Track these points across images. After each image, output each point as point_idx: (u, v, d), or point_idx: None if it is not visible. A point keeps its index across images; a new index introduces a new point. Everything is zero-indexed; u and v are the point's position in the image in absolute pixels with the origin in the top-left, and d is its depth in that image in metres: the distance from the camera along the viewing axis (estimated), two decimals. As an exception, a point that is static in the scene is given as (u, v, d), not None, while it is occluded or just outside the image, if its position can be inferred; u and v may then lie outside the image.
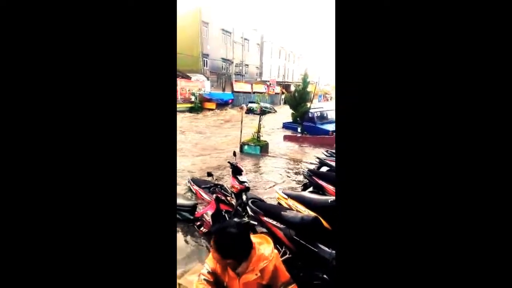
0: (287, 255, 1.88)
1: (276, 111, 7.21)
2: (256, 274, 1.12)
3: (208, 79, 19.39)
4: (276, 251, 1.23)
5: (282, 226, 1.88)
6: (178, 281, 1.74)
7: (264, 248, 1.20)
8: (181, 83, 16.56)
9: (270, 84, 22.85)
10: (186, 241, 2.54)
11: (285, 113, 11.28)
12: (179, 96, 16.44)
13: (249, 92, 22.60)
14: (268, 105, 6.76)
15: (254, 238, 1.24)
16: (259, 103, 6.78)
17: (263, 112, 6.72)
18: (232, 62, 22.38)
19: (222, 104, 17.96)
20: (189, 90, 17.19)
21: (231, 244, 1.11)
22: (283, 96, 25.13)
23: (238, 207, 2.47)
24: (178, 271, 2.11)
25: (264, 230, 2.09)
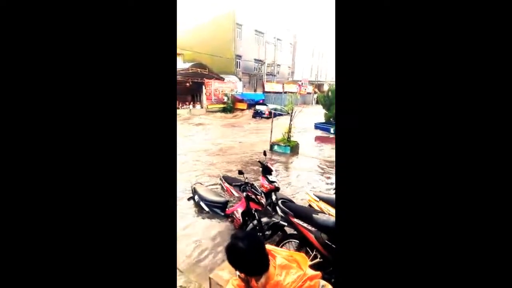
0: (317, 259, 1.82)
1: (288, 114, 6.74)
2: None
3: (240, 80, 19.79)
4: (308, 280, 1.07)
5: (313, 229, 1.82)
6: (210, 275, 1.80)
7: (287, 274, 1.07)
8: (214, 84, 17.19)
9: (302, 83, 22.45)
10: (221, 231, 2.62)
11: (313, 113, 10.85)
12: (212, 97, 17.11)
13: (280, 92, 22.49)
14: (278, 107, 6.35)
15: (284, 258, 1.14)
16: (267, 105, 6.44)
17: (272, 115, 6.31)
18: (264, 63, 22.49)
19: (253, 105, 18.21)
20: (222, 91, 17.75)
21: (239, 258, 1.08)
22: (315, 96, 24.47)
23: (267, 207, 2.47)
24: (211, 260, 2.18)
25: (294, 231, 2.06)
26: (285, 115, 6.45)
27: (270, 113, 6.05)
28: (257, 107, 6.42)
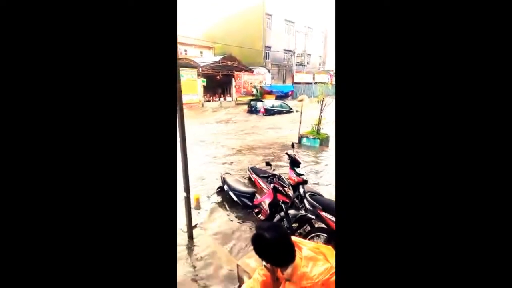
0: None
1: (292, 110, 5.70)
2: None
3: (269, 72, 19.58)
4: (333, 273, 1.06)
5: (342, 223, 1.76)
6: (237, 262, 1.86)
7: (314, 265, 1.07)
8: (244, 76, 17.27)
9: (333, 73, 21.40)
10: (250, 228, 2.69)
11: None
12: (242, 90, 17.26)
13: (311, 83, 21.77)
14: (278, 103, 5.54)
15: (310, 250, 1.13)
16: (263, 101, 5.60)
17: (268, 112, 5.57)
18: (294, 53, 21.85)
19: (282, 96, 17.93)
20: (251, 83, 17.78)
21: (265, 248, 1.09)
22: (348, 86, 23.08)
23: (295, 199, 2.45)
24: (237, 252, 2.26)
25: (323, 225, 2.02)
26: (285, 112, 5.58)
27: (266, 110, 5.27)
28: (252, 102, 5.82)
